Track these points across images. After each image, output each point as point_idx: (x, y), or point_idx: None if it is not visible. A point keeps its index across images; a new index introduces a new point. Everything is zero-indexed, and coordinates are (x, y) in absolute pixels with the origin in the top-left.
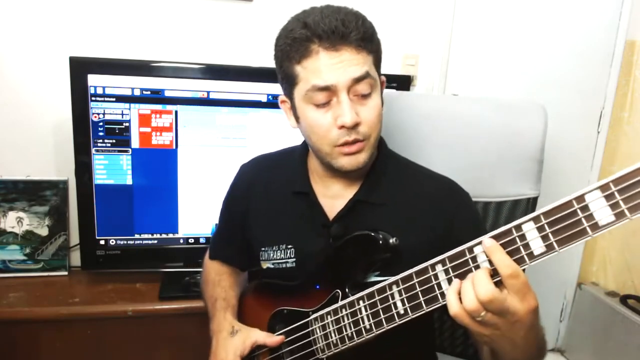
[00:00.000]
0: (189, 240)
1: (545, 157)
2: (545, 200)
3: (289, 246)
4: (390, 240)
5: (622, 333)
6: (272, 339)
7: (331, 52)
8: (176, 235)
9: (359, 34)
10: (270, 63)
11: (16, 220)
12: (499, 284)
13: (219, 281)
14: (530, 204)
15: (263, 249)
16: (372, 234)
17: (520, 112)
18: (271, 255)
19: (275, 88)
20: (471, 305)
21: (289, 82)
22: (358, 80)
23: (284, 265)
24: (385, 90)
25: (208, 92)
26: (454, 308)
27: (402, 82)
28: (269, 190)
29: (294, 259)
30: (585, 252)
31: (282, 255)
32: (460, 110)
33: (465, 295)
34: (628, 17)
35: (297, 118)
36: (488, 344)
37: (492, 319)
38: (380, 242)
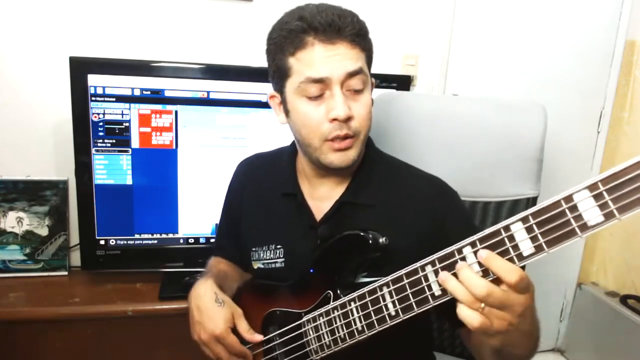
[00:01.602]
0: (189, 240)
1: (545, 157)
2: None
3: (278, 246)
4: (380, 240)
5: (622, 333)
6: (251, 335)
7: (327, 44)
8: (176, 235)
9: (354, 30)
10: None
11: (16, 220)
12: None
13: (216, 265)
14: (530, 204)
15: (254, 249)
16: (362, 233)
17: (520, 112)
18: (261, 255)
19: None
20: (468, 297)
21: (281, 75)
22: (352, 74)
23: (273, 266)
24: (385, 90)
25: (208, 92)
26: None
27: (402, 82)
28: (260, 190)
29: (283, 259)
30: (585, 252)
31: (272, 256)
32: (460, 110)
33: (459, 292)
34: (628, 17)
35: (287, 112)
36: (502, 343)
37: (496, 312)
38: (370, 241)
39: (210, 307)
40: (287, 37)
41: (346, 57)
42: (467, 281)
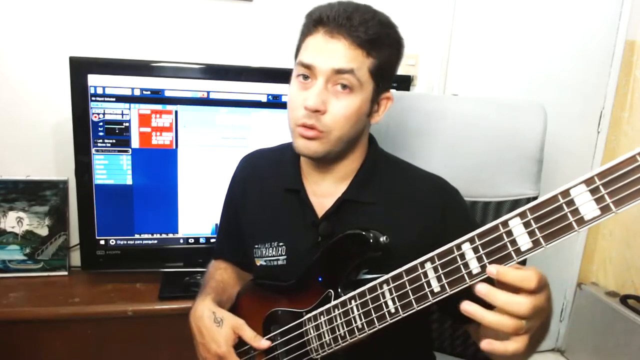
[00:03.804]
0: (189, 240)
1: (545, 157)
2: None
3: (280, 244)
4: (381, 239)
5: (622, 333)
6: (258, 342)
7: (327, 36)
8: (176, 235)
9: (359, 32)
10: (270, 63)
11: (16, 220)
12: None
13: (213, 274)
14: None
15: (256, 246)
16: (363, 232)
17: (520, 112)
18: (264, 252)
19: (275, 88)
20: (513, 326)
21: (295, 56)
22: (339, 72)
23: (275, 263)
24: None
25: (208, 92)
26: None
27: (402, 82)
28: (263, 185)
29: (285, 257)
30: (585, 252)
31: (274, 253)
32: (460, 110)
33: (503, 324)
34: (628, 17)
35: None
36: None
37: (533, 322)
38: (371, 240)
39: (210, 328)
40: (306, 23)
41: (340, 54)
42: (506, 304)
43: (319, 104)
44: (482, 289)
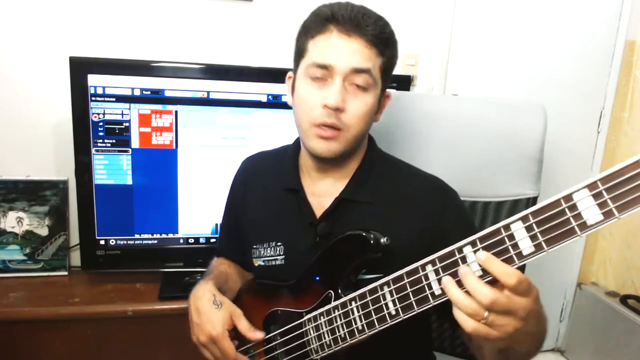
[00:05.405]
0: (189, 240)
1: (545, 157)
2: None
3: (279, 244)
4: (382, 240)
5: (622, 333)
6: (252, 333)
7: (343, 36)
8: (176, 235)
9: (374, 31)
10: (270, 63)
11: (16, 220)
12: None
13: (217, 266)
14: (530, 204)
15: (255, 246)
16: (364, 233)
17: (520, 112)
18: (262, 252)
19: (276, 88)
20: (471, 308)
21: (298, 56)
22: (357, 71)
23: (273, 263)
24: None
25: (208, 92)
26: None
27: (402, 82)
28: (263, 186)
29: (283, 257)
30: (585, 252)
31: (272, 253)
32: (460, 110)
33: (461, 302)
34: (628, 17)
35: (293, 92)
36: (505, 345)
37: (499, 319)
38: (372, 242)
39: (208, 309)
40: (313, 22)
41: (357, 53)
42: (472, 289)
43: (340, 101)
44: (462, 270)
